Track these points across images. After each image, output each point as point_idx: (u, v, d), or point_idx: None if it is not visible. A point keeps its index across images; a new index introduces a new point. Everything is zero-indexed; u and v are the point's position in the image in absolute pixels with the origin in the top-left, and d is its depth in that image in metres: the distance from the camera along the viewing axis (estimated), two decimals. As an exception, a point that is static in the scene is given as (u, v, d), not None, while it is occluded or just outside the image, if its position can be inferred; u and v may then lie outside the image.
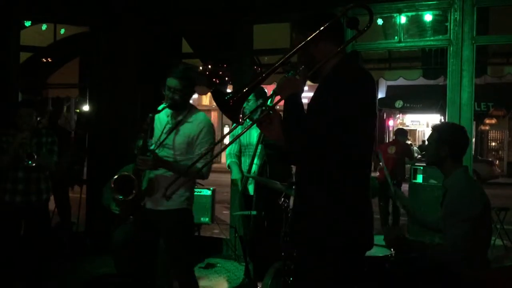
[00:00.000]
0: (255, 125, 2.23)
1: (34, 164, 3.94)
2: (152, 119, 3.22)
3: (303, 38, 2.07)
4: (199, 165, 3.09)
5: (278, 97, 2.12)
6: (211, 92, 2.06)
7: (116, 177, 3.23)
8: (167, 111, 3.32)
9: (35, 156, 3.93)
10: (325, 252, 1.99)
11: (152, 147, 3.24)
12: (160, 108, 3.33)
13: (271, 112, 2.08)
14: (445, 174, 2.86)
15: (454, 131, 2.89)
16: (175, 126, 3.27)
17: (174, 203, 3.19)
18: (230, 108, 1.99)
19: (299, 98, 2.04)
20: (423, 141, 24.64)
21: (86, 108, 6.61)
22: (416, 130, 26.96)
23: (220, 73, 8.90)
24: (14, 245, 4.19)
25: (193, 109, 3.37)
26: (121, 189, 3.19)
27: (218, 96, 2.01)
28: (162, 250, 3.45)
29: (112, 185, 3.21)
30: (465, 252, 2.59)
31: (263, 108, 2.19)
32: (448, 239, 2.67)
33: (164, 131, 3.28)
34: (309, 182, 2.07)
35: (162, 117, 3.36)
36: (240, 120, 2.06)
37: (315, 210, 2.02)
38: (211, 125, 3.37)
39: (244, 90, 2.03)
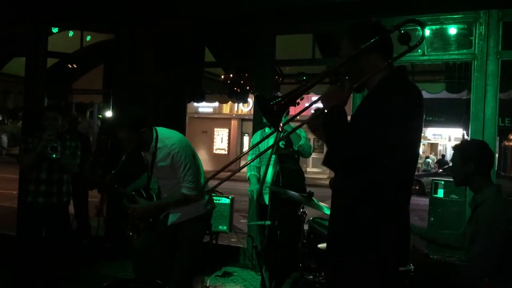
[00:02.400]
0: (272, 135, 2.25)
1: (58, 156, 4.02)
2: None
3: (354, 48, 2.05)
4: (183, 190, 3.37)
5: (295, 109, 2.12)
6: (255, 96, 2.08)
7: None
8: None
9: (59, 148, 4.02)
10: (364, 269, 1.96)
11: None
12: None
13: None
14: (475, 191, 2.82)
15: (476, 146, 2.87)
16: (152, 160, 3.46)
17: (186, 215, 3.47)
18: (273, 113, 1.98)
19: (343, 109, 2.01)
20: (443, 156, 24.36)
21: (109, 114, 6.70)
22: (437, 143, 26.65)
23: (242, 82, 8.95)
24: (35, 247, 4.26)
25: (157, 137, 3.44)
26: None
27: (262, 101, 2.01)
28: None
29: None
30: (490, 268, 2.55)
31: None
32: (474, 254, 2.62)
33: (149, 167, 3.53)
34: (350, 198, 2.02)
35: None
36: (280, 128, 2.06)
37: (355, 228, 1.97)
38: (177, 147, 3.40)
39: (289, 97, 2.01)
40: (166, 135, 3.46)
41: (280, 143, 4.49)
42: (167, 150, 3.39)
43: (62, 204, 4.29)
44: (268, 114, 2.00)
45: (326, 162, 2.05)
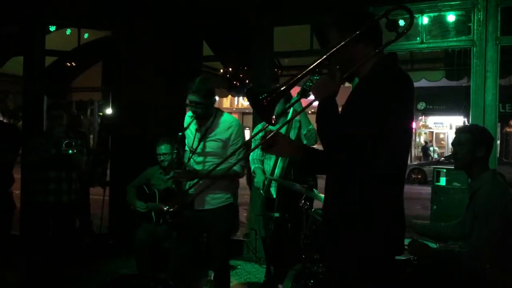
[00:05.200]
0: (277, 126, 2.25)
1: (75, 151, 4.03)
2: (183, 137, 3.48)
3: (342, 38, 2.03)
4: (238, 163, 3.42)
5: (304, 100, 2.11)
6: (246, 91, 2.07)
7: (162, 191, 3.57)
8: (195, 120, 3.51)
9: (73, 143, 4.03)
10: (359, 260, 1.96)
11: (187, 154, 3.53)
12: (187, 123, 3.53)
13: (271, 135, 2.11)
14: (472, 177, 2.82)
15: (486, 131, 2.88)
16: (204, 133, 3.47)
17: (219, 201, 3.52)
18: (263, 108, 1.97)
19: (334, 100, 2.01)
20: (426, 142, 24.47)
21: (109, 111, 6.69)
22: (435, 132, 26.59)
23: (241, 75, 8.92)
24: (42, 245, 4.28)
25: (218, 113, 3.55)
26: (167, 200, 3.41)
27: (252, 96, 2.00)
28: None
29: (161, 198, 3.52)
30: (491, 253, 2.55)
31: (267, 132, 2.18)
32: (474, 240, 2.62)
33: (196, 139, 3.48)
34: (342, 187, 2.02)
35: (191, 126, 3.57)
36: (273, 121, 2.05)
37: (349, 217, 1.97)
38: (239, 125, 3.57)
39: (279, 91, 2.00)
40: (225, 114, 3.59)
41: (291, 134, 4.46)
42: (227, 124, 3.49)
43: (71, 202, 4.31)
44: (258, 109, 1.99)
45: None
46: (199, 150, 3.48)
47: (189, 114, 3.57)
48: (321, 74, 2.18)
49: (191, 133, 3.56)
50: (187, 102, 3.47)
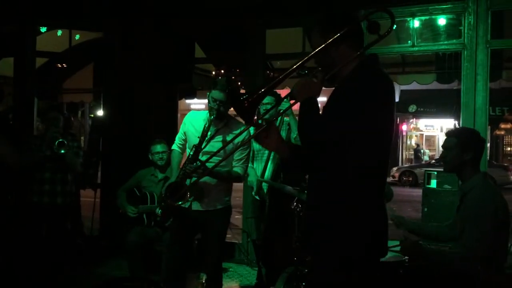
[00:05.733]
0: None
1: (67, 149, 4.01)
2: (203, 137, 3.43)
3: (323, 40, 2.03)
4: (238, 169, 3.52)
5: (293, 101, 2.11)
6: (227, 92, 2.07)
7: (167, 185, 3.52)
8: (205, 117, 3.51)
9: (65, 142, 4.01)
10: (339, 261, 1.95)
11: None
12: (198, 123, 3.54)
13: (266, 124, 2.07)
14: (463, 179, 2.84)
15: (475, 134, 2.89)
16: (214, 134, 3.48)
17: (219, 203, 3.58)
18: (244, 109, 1.98)
19: (315, 102, 2.01)
20: (417, 145, 24.65)
21: (100, 113, 6.65)
22: (425, 134, 26.74)
23: (233, 77, 8.92)
24: (36, 246, 4.26)
25: (231, 118, 3.58)
26: (173, 195, 3.42)
27: (234, 97, 2.02)
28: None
29: (166, 193, 3.46)
30: (482, 255, 2.56)
31: (262, 122, 2.14)
32: (465, 241, 2.64)
33: (205, 138, 3.45)
34: (322, 188, 2.03)
35: (198, 123, 3.55)
36: (254, 121, 2.05)
37: (329, 217, 1.98)
38: (249, 131, 3.50)
39: (260, 92, 2.00)
40: (237, 120, 3.56)
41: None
42: (243, 128, 3.42)
43: (66, 204, 4.30)
44: (239, 110, 1.99)
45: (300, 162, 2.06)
46: (207, 149, 3.46)
47: (196, 114, 3.61)
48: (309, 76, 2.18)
49: (195, 130, 3.56)
50: (209, 100, 3.44)
